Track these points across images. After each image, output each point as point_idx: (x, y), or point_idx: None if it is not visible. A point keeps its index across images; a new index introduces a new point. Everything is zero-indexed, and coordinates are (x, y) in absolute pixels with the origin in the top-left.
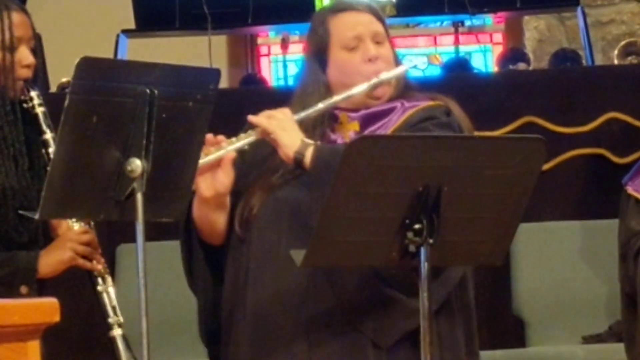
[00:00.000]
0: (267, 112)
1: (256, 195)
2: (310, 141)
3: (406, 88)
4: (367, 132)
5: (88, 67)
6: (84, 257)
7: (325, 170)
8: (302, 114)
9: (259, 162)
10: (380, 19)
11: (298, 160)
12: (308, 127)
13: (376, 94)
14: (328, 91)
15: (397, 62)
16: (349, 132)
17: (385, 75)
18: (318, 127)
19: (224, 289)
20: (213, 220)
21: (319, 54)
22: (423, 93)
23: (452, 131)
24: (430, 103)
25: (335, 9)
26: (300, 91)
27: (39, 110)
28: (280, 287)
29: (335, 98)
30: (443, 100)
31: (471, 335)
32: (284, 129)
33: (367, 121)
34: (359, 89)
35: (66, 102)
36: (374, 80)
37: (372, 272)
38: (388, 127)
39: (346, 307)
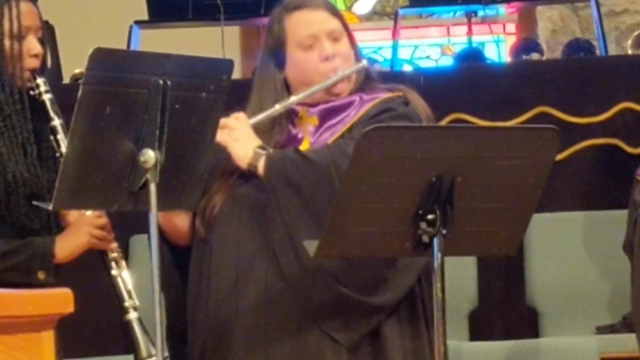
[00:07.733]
0: (222, 121)
1: (217, 195)
2: (262, 151)
3: (367, 80)
4: (325, 126)
5: (101, 58)
6: (99, 240)
7: (277, 178)
8: (259, 117)
9: (221, 163)
10: (336, 14)
11: (251, 172)
12: (267, 125)
13: (335, 91)
14: (285, 89)
15: (357, 55)
16: (308, 126)
17: (339, 76)
18: (279, 123)
19: (187, 293)
20: (178, 224)
21: (275, 51)
22: (384, 84)
23: (410, 121)
24: (389, 95)
25: (291, 7)
26: (257, 89)
27: (46, 97)
28: (240, 287)
29: (292, 99)
30: (402, 91)
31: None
32: (236, 139)
33: (326, 116)
34: (314, 90)
35: (79, 93)
36: (329, 82)
37: (329, 274)
38: (346, 121)
39: (308, 307)
